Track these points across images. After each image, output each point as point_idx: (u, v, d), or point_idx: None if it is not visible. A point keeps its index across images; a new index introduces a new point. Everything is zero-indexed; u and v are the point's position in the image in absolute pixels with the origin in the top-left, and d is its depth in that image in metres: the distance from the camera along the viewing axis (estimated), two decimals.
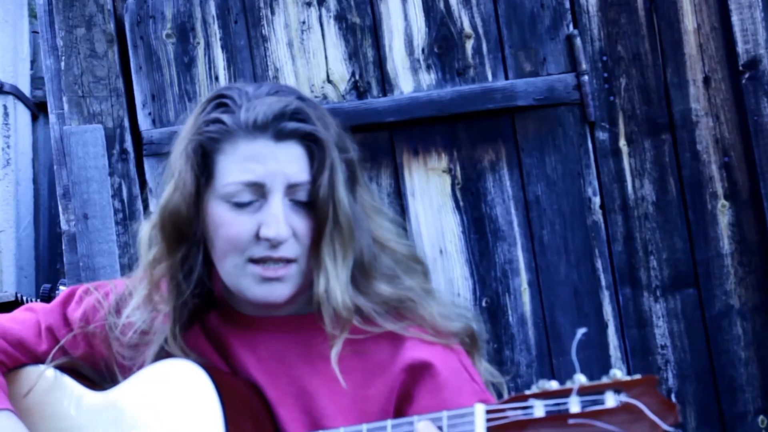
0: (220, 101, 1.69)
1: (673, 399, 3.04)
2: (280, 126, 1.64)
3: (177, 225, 1.67)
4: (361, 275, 1.69)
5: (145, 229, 1.74)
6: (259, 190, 1.64)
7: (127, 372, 1.77)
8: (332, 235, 1.65)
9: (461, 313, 1.76)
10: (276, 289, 1.66)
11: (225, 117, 1.66)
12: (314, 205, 1.65)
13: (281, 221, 1.63)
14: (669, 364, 3.04)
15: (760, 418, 3.04)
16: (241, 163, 1.64)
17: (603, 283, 3.06)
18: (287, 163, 1.64)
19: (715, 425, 3.04)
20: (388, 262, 1.73)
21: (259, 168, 1.64)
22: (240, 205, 1.65)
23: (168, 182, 1.70)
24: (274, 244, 1.63)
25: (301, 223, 1.65)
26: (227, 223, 1.65)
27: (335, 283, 1.64)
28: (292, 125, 1.64)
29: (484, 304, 3.05)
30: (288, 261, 1.65)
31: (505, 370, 2.99)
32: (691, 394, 3.05)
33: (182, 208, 1.66)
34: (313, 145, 1.66)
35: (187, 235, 1.68)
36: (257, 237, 1.64)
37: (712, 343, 3.05)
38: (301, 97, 1.70)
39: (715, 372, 3.04)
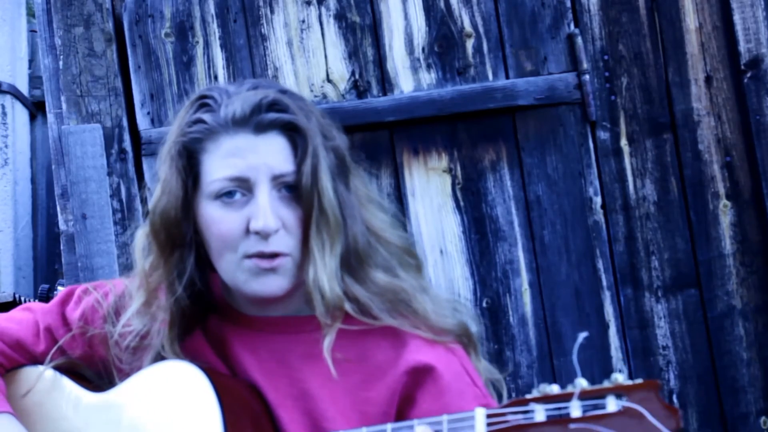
0: (202, 102, 1.69)
1: (675, 400, 3.03)
2: (258, 118, 1.64)
3: (167, 228, 1.68)
4: (356, 263, 1.68)
5: (140, 236, 1.74)
6: (245, 185, 1.64)
7: (125, 376, 1.77)
8: (318, 224, 1.64)
9: (455, 309, 1.76)
10: (272, 281, 1.65)
11: (206, 116, 1.67)
12: (299, 193, 1.65)
13: (268, 212, 1.62)
14: (670, 365, 3.03)
15: (762, 419, 3.03)
16: (224, 159, 1.65)
17: (604, 283, 3.05)
18: (269, 154, 1.64)
19: (717, 426, 3.03)
20: (383, 253, 1.73)
21: (241, 162, 1.64)
22: (228, 202, 1.65)
23: (156, 187, 1.71)
24: (264, 236, 1.63)
25: (291, 215, 1.65)
26: (218, 221, 1.65)
27: (322, 272, 1.63)
28: (270, 116, 1.65)
29: (484, 304, 3.04)
30: (282, 255, 1.65)
31: (506, 371, 2.97)
32: (693, 395, 3.03)
33: (171, 211, 1.67)
34: (295, 135, 1.66)
35: (178, 238, 1.68)
36: (247, 231, 1.64)
37: (714, 344, 3.04)
38: (281, 90, 1.71)
39: (716, 373, 3.03)
